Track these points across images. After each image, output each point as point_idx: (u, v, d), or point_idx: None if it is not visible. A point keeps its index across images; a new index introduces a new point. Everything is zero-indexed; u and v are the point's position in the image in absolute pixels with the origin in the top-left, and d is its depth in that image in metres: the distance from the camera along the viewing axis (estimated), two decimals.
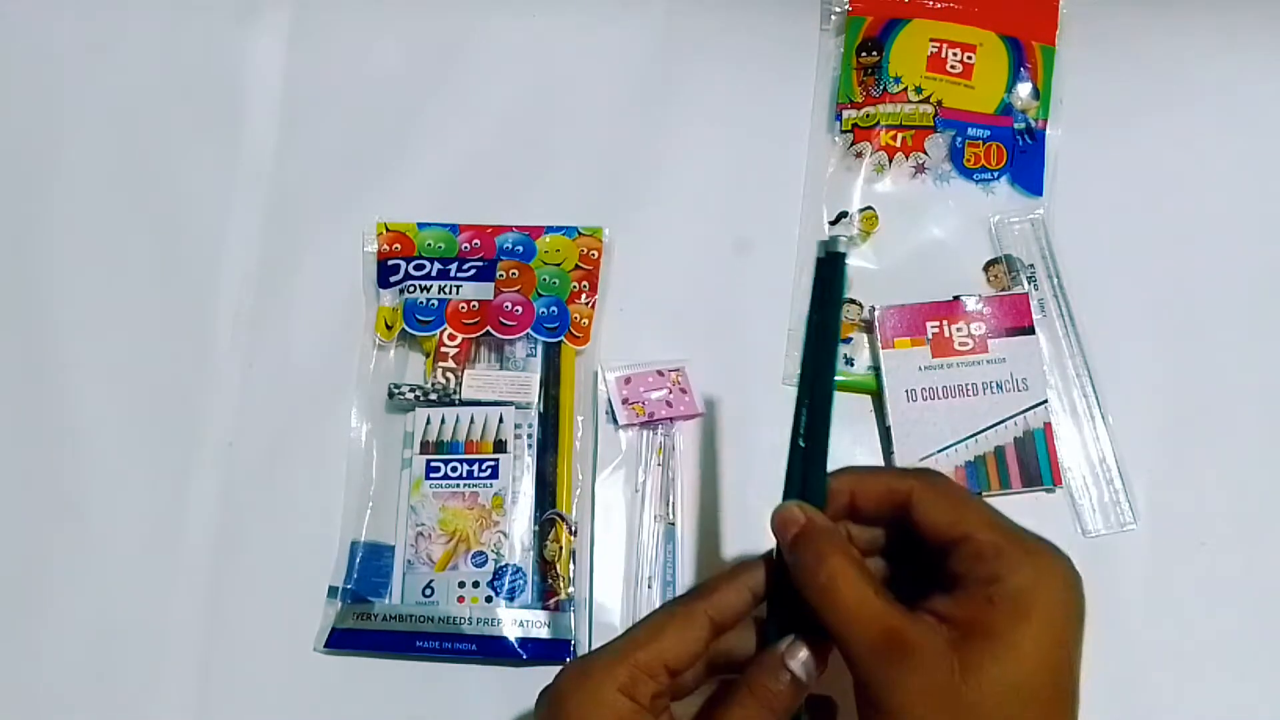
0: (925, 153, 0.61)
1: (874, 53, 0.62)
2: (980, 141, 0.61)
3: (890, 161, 0.61)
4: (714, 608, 0.39)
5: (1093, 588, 0.49)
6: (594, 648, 0.43)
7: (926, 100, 0.61)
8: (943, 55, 0.62)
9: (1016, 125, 0.61)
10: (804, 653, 0.39)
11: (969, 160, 0.61)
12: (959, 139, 0.61)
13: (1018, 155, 0.61)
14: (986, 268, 0.59)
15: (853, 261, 0.60)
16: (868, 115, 0.61)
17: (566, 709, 0.38)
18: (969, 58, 0.62)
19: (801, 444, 0.40)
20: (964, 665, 0.35)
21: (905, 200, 0.61)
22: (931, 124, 0.61)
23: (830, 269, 0.41)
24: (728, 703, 0.39)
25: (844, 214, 0.60)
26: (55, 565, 0.55)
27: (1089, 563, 0.54)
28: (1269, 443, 0.57)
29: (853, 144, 0.61)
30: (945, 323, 0.57)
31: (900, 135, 0.61)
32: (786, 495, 0.40)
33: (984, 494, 0.55)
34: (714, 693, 0.41)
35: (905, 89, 0.62)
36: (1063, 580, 0.37)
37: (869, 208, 0.60)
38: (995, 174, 0.61)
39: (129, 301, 0.60)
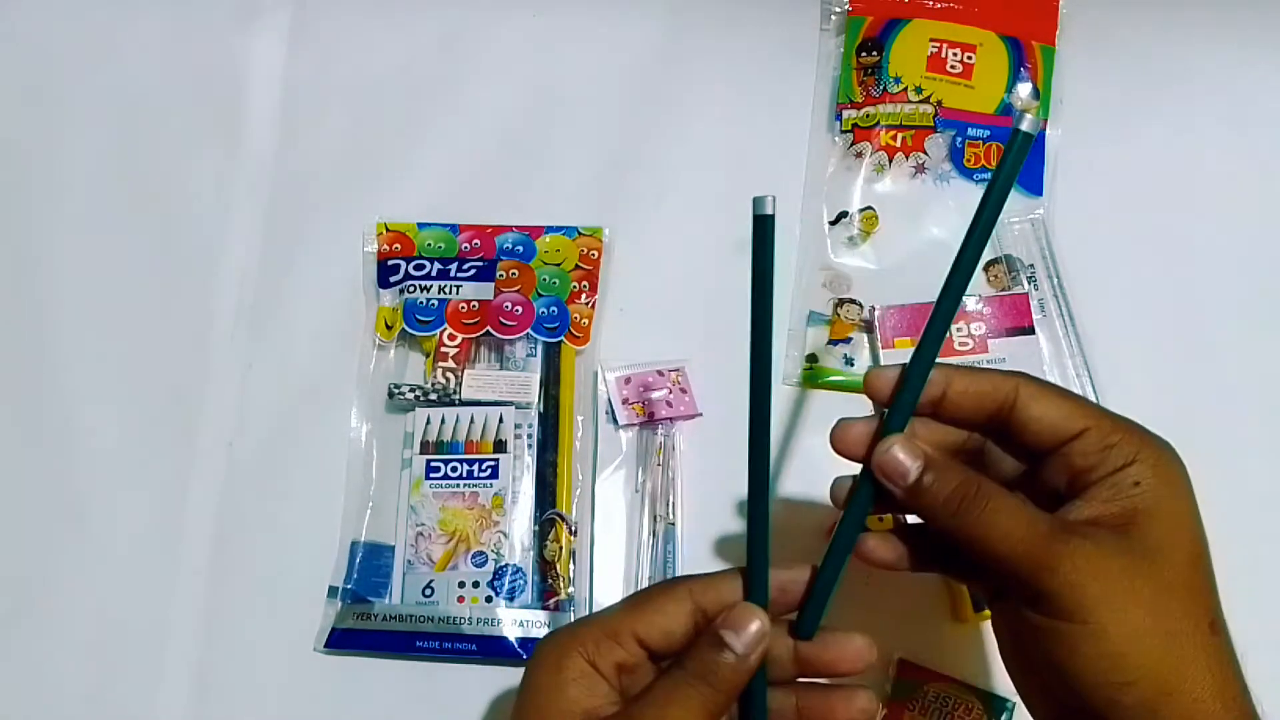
0: (925, 153, 0.61)
1: (874, 53, 0.62)
2: (980, 141, 0.61)
3: (890, 161, 0.61)
4: (700, 589, 0.38)
5: None
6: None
7: (926, 100, 0.61)
8: (943, 55, 0.62)
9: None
10: (752, 625, 0.36)
11: (969, 160, 0.61)
12: (959, 139, 0.61)
13: None
14: (986, 268, 0.59)
15: (853, 261, 0.60)
16: (868, 115, 0.61)
17: (528, 664, 0.38)
18: (969, 58, 0.62)
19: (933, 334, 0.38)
20: (1146, 547, 0.35)
21: (905, 200, 0.61)
22: (931, 124, 0.61)
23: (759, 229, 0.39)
24: (664, 674, 0.37)
25: (844, 214, 0.60)
26: (55, 565, 0.55)
27: None
28: (1269, 442, 0.57)
29: (853, 144, 0.61)
30: None
31: (900, 135, 0.61)
32: (899, 401, 0.38)
33: None
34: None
35: (905, 89, 0.62)
36: (1178, 456, 0.38)
37: (869, 208, 0.60)
38: None
39: (129, 301, 0.60)
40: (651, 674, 0.38)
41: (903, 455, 0.37)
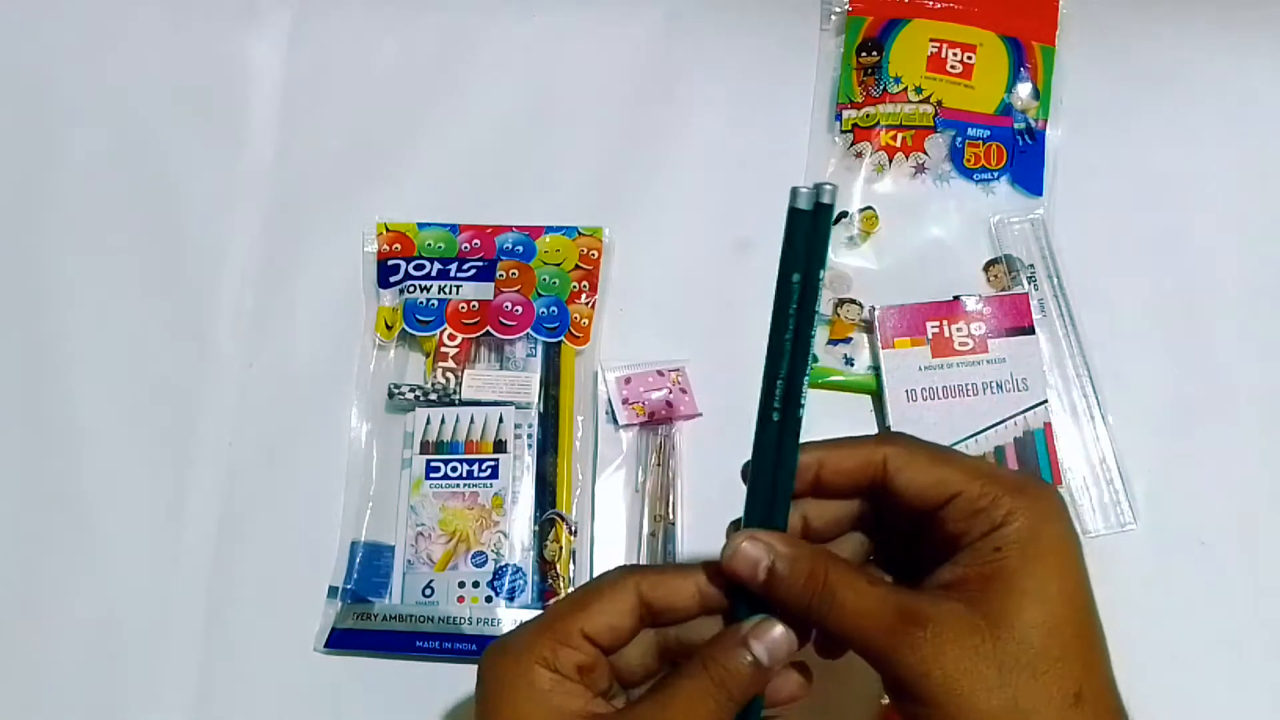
0: (925, 153, 0.61)
1: (874, 53, 0.62)
2: (980, 141, 0.61)
3: (890, 161, 0.61)
4: (649, 585, 0.37)
5: (1093, 587, 0.50)
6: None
7: (926, 100, 0.61)
8: (943, 55, 0.62)
9: (1016, 125, 0.61)
10: (775, 632, 0.36)
11: (969, 160, 0.61)
12: (959, 139, 0.61)
13: (1018, 155, 0.61)
14: (986, 268, 0.59)
15: (853, 261, 0.60)
16: (868, 115, 0.61)
17: (487, 690, 0.37)
18: (969, 58, 0.62)
19: (775, 417, 0.37)
20: (992, 622, 0.34)
21: (905, 200, 0.61)
22: (931, 124, 0.61)
23: (815, 222, 0.35)
24: (679, 674, 0.36)
25: (844, 214, 0.60)
26: (55, 565, 0.55)
27: (1089, 563, 0.54)
28: (1269, 442, 0.57)
29: (853, 144, 0.61)
30: (945, 323, 0.57)
31: (900, 135, 0.61)
32: (754, 485, 0.38)
33: None
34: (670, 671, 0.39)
35: (905, 89, 0.62)
36: (1059, 512, 0.36)
37: (869, 208, 0.60)
38: (995, 174, 0.61)
39: (129, 301, 0.60)
40: (608, 672, 0.38)
41: (750, 549, 0.37)
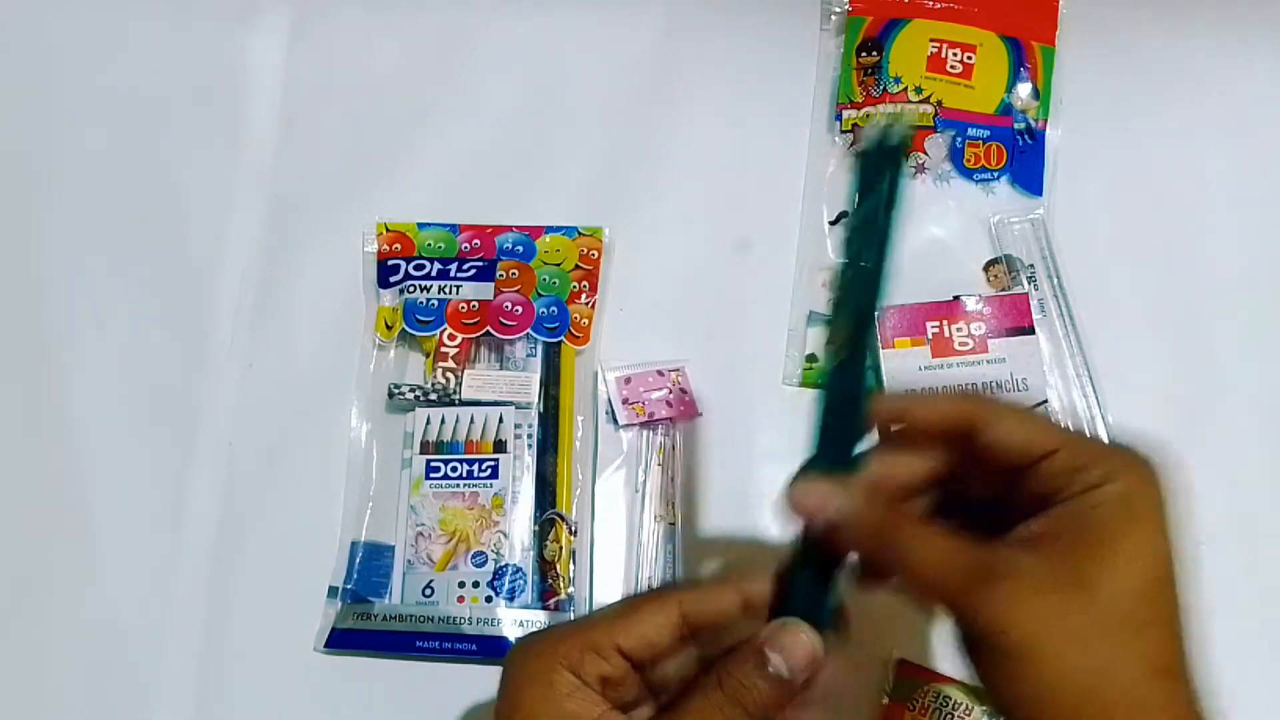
0: (925, 153, 0.61)
1: (874, 53, 0.62)
2: (980, 141, 0.61)
3: None
4: (690, 600, 0.36)
5: None
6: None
7: (926, 100, 0.61)
8: (943, 55, 0.62)
9: (1016, 125, 0.61)
10: (796, 638, 0.34)
11: (969, 160, 0.61)
12: (959, 139, 0.61)
13: (1018, 155, 0.61)
14: (986, 268, 0.59)
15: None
16: (868, 115, 0.61)
17: (508, 679, 0.37)
18: (969, 58, 0.62)
19: (846, 355, 0.35)
20: (1079, 580, 0.32)
21: (905, 200, 0.60)
22: (931, 124, 0.61)
23: (888, 163, 0.36)
24: (693, 689, 0.35)
25: (844, 214, 0.60)
26: (55, 565, 0.55)
27: None
28: (1269, 442, 0.57)
29: (853, 144, 0.61)
30: (945, 323, 0.57)
31: None
32: (825, 428, 0.36)
33: None
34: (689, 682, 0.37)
35: (905, 89, 0.62)
36: (1158, 479, 0.35)
37: None
38: (995, 174, 0.61)
39: (129, 301, 0.60)
40: (637, 686, 0.37)
41: (818, 488, 0.36)
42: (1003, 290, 0.58)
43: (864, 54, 0.62)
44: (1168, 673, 0.32)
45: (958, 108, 0.61)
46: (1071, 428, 0.37)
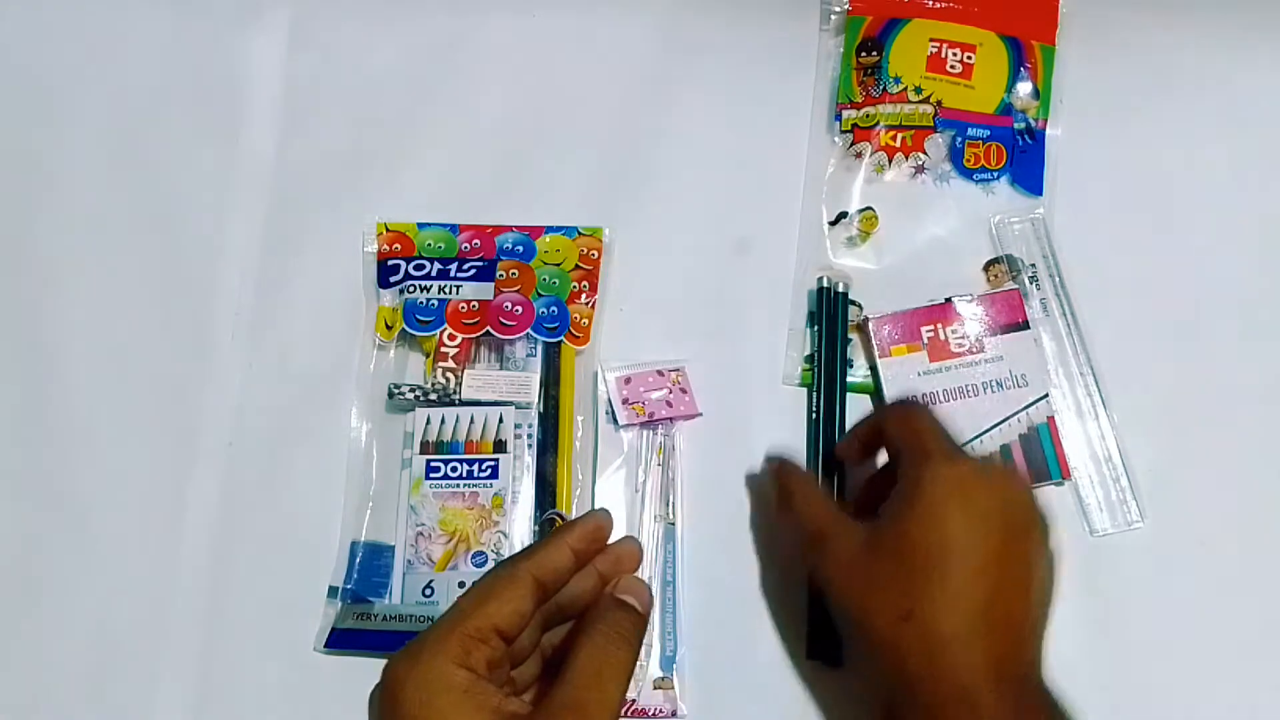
0: (925, 153, 0.61)
1: (873, 53, 0.62)
2: (980, 141, 0.61)
3: (890, 161, 0.61)
4: (537, 566, 0.41)
5: (1101, 586, 0.50)
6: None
7: (926, 100, 0.61)
8: (942, 55, 0.62)
9: (1016, 125, 0.61)
10: (632, 582, 0.44)
11: (969, 160, 0.61)
12: (959, 139, 0.61)
13: (1017, 155, 0.61)
14: (986, 268, 0.59)
15: (853, 262, 0.60)
16: (867, 115, 0.61)
17: (401, 698, 0.37)
18: (969, 58, 0.62)
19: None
20: (868, 543, 0.44)
21: (905, 200, 0.61)
22: (931, 124, 0.61)
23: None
24: (579, 648, 0.39)
25: (843, 214, 0.60)
26: (55, 565, 0.55)
27: (1098, 561, 0.54)
28: (1268, 439, 0.57)
29: (852, 144, 0.61)
30: (940, 326, 0.57)
31: (900, 135, 0.61)
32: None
33: None
34: (557, 648, 0.44)
35: (905, 89, 0.62)
36: (960, 487, 0.43)
37: (868, 208, 0.60)
38: (995, 174, 0.61)
39: (129, 301, 0.60)
40: (508, 661, 0.41)
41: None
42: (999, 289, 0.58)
43: (863, 54, 0.62)
44: (911, 618, 0.42)
45: (958, 108, 0.61)
46: (939, 438, 0.46)
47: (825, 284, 0.57)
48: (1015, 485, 0.45)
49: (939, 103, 0.61)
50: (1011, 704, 0.40)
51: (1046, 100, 0.61)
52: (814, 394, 0.56)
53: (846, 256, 0.60)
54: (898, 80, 0.62)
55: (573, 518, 0.48)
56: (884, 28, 0.62)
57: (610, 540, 0.45)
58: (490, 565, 0.54)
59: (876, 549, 0.44)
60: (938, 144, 0.61)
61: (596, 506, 0.55)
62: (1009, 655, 0.42)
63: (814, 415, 0.56)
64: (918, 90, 0.62)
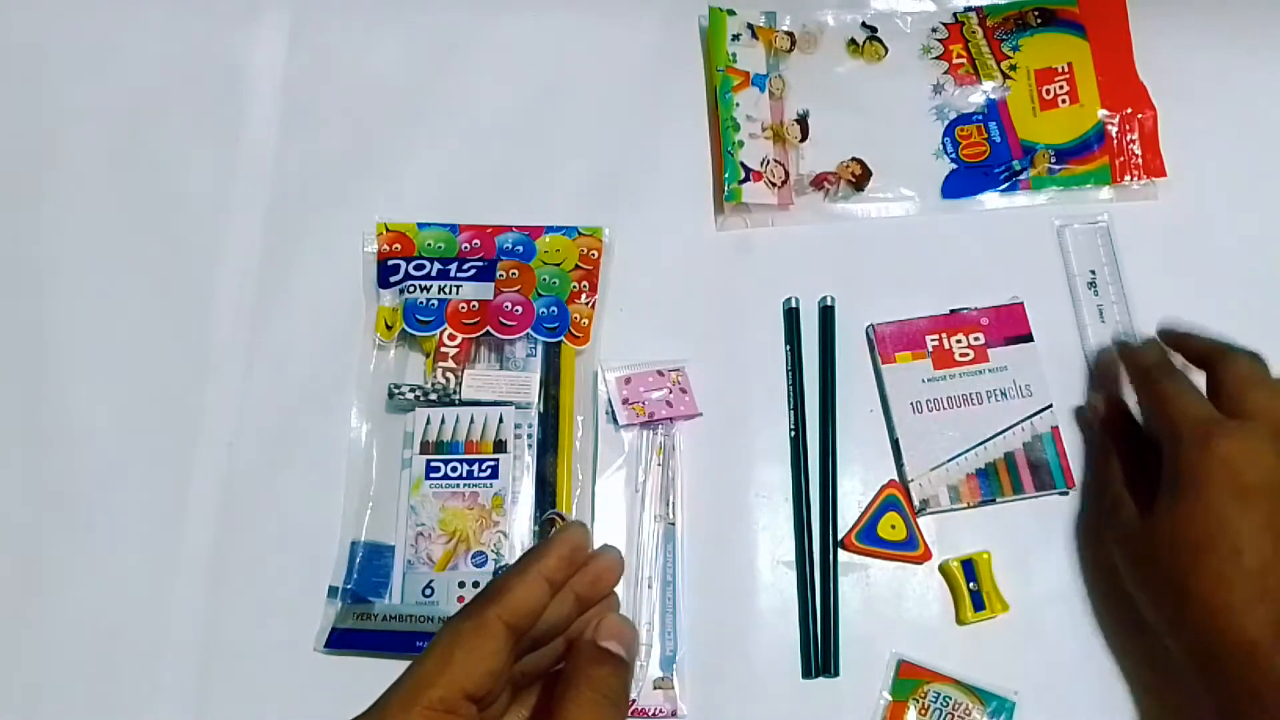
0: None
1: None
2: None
3: None
4: (508, 610, 0.34)
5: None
6: (377, 698, 0.36)
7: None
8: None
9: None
10: (614, 622, 0.36)
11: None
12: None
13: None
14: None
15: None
16: None
17: None
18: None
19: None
20: (1145, 531, 0.49)
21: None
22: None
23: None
24: (562, 701, 0.34)
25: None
26: (55, 565, 0.55)
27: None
28: None
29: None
30: (945, 335, 0.57)
31: None
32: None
33: (997, 500, 0.55)
34: (539, 696, 0.38)
35: None
36: (1222, 468, 0.46)
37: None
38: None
39: (129, 301, 0.60)
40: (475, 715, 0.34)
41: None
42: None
43: None
44: (1184, 594, 0.47)
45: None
46: (1246, 398, 0.49)
47: (795, 304, 0.58)
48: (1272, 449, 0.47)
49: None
50: None
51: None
52: (794, 413, 0.57)
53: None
54: None
55: (555, 530, 0.42)
56: None
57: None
58: (490, 565, 0.54)
59: (1152, 537, 0.48)
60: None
61: (588, 511, 0.55)
62: None
63: (793, 434, 0.56)
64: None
